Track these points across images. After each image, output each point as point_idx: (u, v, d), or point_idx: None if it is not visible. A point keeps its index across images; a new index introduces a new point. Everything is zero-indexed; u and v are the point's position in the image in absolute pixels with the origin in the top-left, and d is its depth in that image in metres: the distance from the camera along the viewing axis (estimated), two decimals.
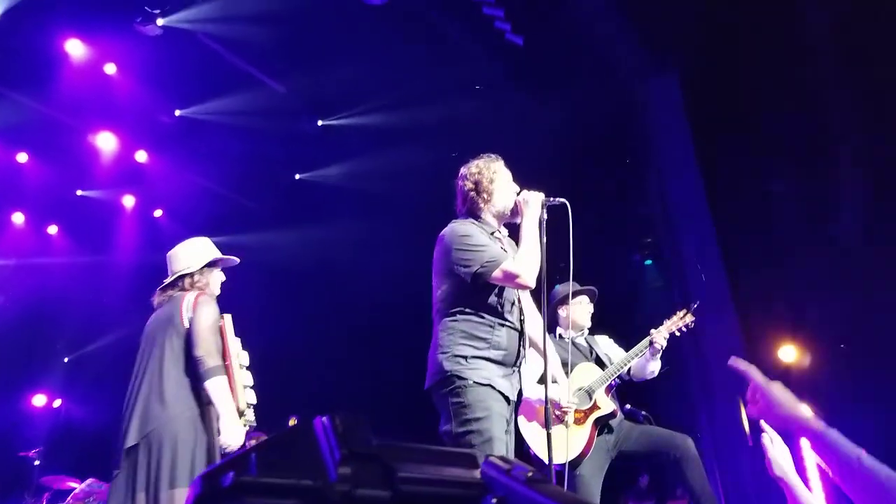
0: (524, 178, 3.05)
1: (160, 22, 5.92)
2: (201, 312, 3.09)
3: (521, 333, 2.84)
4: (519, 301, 2.90)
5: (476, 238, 2.79)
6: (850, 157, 5.77)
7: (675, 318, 3.91)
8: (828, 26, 5.76)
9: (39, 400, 7.97)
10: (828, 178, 5.83)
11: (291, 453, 0.60)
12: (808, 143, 5.80)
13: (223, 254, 3.43)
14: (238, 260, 3.49)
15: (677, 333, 3.91)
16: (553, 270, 3.15)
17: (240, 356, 3.23)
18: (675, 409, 5.87)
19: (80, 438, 7.66)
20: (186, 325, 3.09)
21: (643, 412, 3.96)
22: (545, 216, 2.86)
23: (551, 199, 2.88)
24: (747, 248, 6.07)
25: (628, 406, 3.98)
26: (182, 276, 3.26)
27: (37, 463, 7.39)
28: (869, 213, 5.61)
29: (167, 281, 3.30)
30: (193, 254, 3.33)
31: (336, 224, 7.70)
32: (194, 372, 3.01)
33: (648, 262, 7.36)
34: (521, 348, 2.82)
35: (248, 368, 3.24)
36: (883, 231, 5.42)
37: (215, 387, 2.96)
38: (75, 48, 6.32)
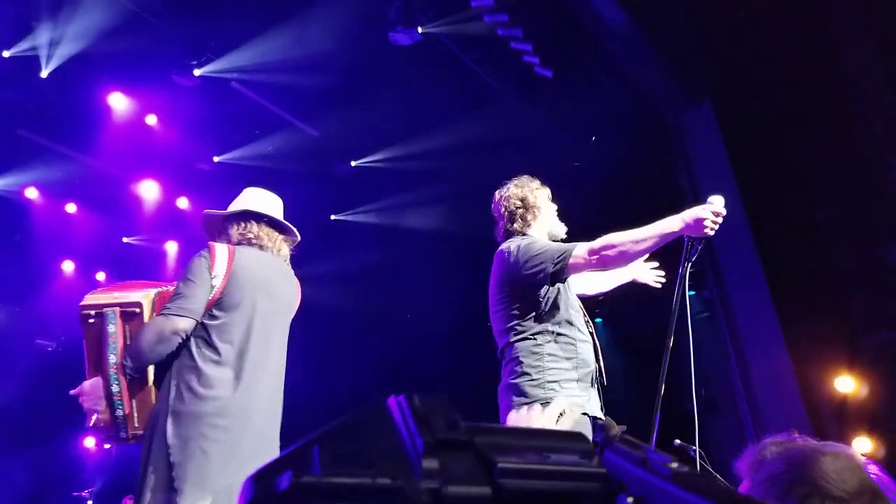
0: (562, 217, 2.98)
1: (197, 73, 6.09)
2: None
3: (595, 346, 2.71)
4: (585, 312, 2.76)
5: (540, 242, 2.69)
6: None
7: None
8: (870, 44, 5.58)
9: (90, 441, 8.15)
10: (877, 201, 5.60)
11: (362, 443, 0.49)
12: (854, 166, 5.58)
13: None
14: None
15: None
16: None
17: None
18: (726, 445, 5.64)
19: (130, 478, 7.78)
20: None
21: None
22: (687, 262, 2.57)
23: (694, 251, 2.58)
24: (794, 275, 5.85)
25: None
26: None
27: (89, 503, 7.54)
28: None
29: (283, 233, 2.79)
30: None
31: (370, 261, 7.71)
32: None
33: (691, 293, 7.16)
34: (598, 362, 2.68)
35: None
36: None
37: None
38: (118, 101, 6.55)
